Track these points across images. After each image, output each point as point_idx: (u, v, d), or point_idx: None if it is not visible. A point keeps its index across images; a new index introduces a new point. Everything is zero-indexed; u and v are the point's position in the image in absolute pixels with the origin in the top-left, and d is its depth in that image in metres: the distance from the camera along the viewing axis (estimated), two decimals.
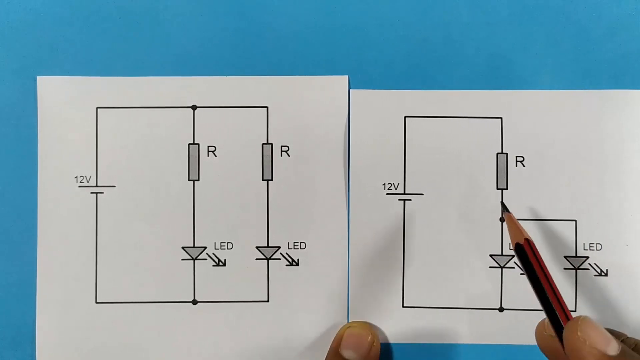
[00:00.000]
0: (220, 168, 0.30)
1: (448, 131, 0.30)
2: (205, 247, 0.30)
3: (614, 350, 0.21)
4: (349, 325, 0.29)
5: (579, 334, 0.21)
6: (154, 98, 0.30)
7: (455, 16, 0.30)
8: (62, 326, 0.30)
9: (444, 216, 0.30)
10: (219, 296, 0.30)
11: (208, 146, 0.30)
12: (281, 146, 0.30)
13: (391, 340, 0.30)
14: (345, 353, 0.28)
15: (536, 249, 0.24)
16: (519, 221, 0.29)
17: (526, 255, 0.24)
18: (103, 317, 0.30)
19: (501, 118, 0.30)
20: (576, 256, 0.29)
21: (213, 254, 0.30)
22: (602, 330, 0.21)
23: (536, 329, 0.25)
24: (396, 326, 0.30)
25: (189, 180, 0.30)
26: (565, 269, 0.29)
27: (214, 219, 0.30)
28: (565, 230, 0.29)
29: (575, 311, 0.29)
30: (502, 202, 0.29)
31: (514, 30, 0.30)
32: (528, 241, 0.25)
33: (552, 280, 0.24)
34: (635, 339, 0.25)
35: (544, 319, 0.24)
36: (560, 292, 0.23)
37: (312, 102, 0.30)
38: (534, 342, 0.27)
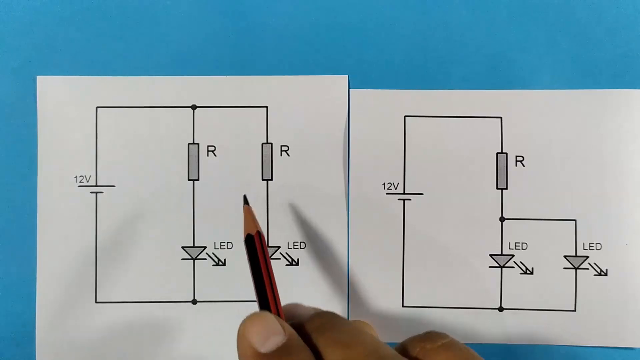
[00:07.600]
0: (220, 168, 0.30)
1: (448, 131, 0.30)
2: (205, 247, 0.30)
3: (270, 346, 0.19)
4: None
5: (241, 330, 0.19)
6: (153, 98, 0.30)
7: (455, 16, 0.30)
8: (62, 326, 0.30)
9: (444, 216, 0.30)
10: (219, 296, 0.30)
11: (208, 146, 0.30)
12: (281, 146, 0.30)
13: (391, 340, 0.30)
14: None
15: (265, 244, 0.23)
16: (518, 221, 0.30)
17: (254, 247, 0.23)
18: (103, 317, 0.30)
19: (501, 118, 0.30)
20: (576, 256, 0.29)
21: (213, 253, 0.30)
22: (267, 324, 0.19)
23: None
24: (396, 326, 0.30)
25: (189, 180, 0.30)
26: (565, 268, 0.29)
27: (214, 219, 0.30)
28: (565, 230, 0.29)
29: (575, 311, 0.29)
30: (244, 196, 0.26)
31: (514, 30, 0.30)
32: (259, 234, 0.23)
33: (274, 277, 0.22)
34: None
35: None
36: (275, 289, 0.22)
37: (312, 102, 0.30)
38: (534, 341, 0.27)
